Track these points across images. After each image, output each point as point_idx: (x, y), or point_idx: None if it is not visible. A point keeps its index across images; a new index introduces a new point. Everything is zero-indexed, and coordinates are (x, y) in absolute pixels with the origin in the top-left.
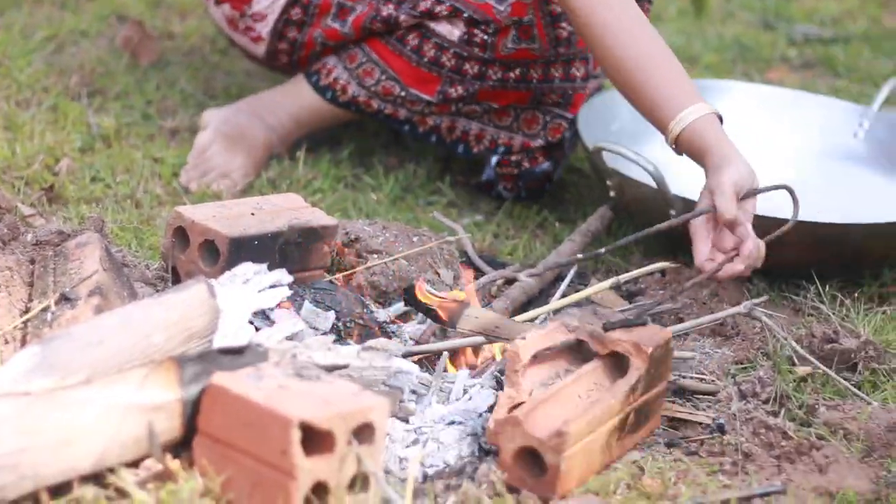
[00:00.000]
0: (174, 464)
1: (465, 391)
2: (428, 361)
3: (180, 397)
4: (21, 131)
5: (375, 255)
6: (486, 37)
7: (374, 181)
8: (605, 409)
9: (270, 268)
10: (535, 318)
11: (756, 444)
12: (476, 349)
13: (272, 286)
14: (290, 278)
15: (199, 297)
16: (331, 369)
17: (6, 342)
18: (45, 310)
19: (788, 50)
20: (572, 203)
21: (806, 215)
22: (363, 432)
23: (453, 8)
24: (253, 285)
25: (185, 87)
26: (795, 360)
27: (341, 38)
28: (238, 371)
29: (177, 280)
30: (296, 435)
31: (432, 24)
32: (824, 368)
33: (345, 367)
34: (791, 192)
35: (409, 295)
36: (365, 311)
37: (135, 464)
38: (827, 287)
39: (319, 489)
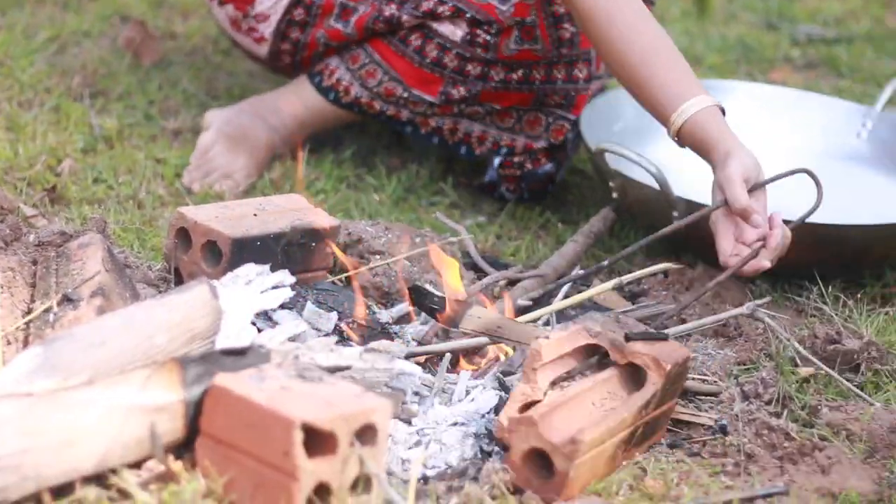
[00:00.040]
0: (176, 465)
1: (468, 392)
2: (430, 363)
3: (183, 398)
4: (23, 132)
5: (378, 256)
6: (488, 37)
7: (377, 182)
8: (619, 421)
9: (273, 269)
10: (538, 318)
11: (758, 445)
12: (478, 350)
13: (275, 287)
14: (292, 279)
15: (201, 298)
16: (333, 371)
17: (8, 343)
18: (47, 311)
19: (791, 50)
20: (575, 204)
21: (807, 220)
22: (365, 434)
23: (456, 8)
24: (255, 286)
25: (188, 87)
26: (798, 361)
27: (344, 38)
28: (240, 372)
29: (179, 281)
30: (298, 436)
31: (435, 25)
32: (827, 369)
33: (347, 368)
34: (812, 175)
35: (414, 295)
36: (367, 312)
37: (137, 465)
38: (829, 288)
39: (322, 490)
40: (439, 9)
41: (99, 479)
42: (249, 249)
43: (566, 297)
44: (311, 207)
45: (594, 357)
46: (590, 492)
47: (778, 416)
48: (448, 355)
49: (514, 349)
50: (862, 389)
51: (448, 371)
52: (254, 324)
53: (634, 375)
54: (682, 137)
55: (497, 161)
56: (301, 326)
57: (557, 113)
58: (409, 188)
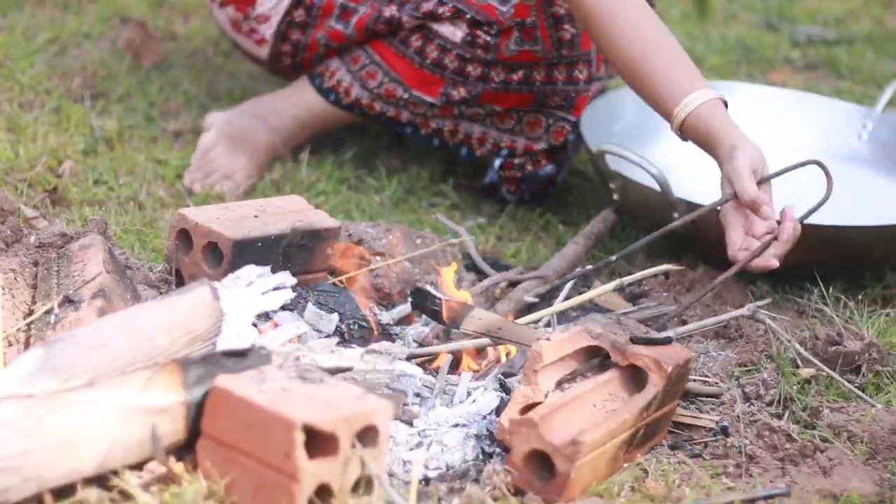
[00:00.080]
0: (178, 466)
1: (469, 393)
2: (431, 364)
3: (184, 400)
4: (24, 133)
5: (378, 258)
6: (488, 38)
7: (378, 183)
8: (620, 423)
9: (274, 270)
10: (539, 320)
11: (760, 447)
12: (480, 351)
13: (275, 288)
14: (293, 280)
15: (202, 300)
16: (334, 372)
17: (10, 344)
18: (48, 312)
19: (792, 51)
20: (575, 206)
21: (810, 217)
22: (367, 435)
23: (456, 9)
24: (256, 288)
25: (188, 88)
26: (799, 363)
27: (344, 39)
28: (241, 374)
29: (180, 282)
30: (299, 437)
31: (435, 26)
32: (828, 371)
33: (348, 369)
34: (822, 166)
35: (415, 296)
36: (368, 313)
37: (138, 466)
38: (830, 289)
39: (323, 492)
40: (439, 10)
41: (100, 480)
42: (250, 251)
43: (567, 298)
44: (312, 209)
45: (595, 359)
46: (591, 493)
47: (779, 417)
48: (449, 356)
49: (515, 350)
50: (863, 391)
51: (449, 372)
52: (255, 325)
53: (636, 377)
54: (685, 131)
55: (498, 163)
56: (302, 328)
57: (558, 114)
58: (409, 190)
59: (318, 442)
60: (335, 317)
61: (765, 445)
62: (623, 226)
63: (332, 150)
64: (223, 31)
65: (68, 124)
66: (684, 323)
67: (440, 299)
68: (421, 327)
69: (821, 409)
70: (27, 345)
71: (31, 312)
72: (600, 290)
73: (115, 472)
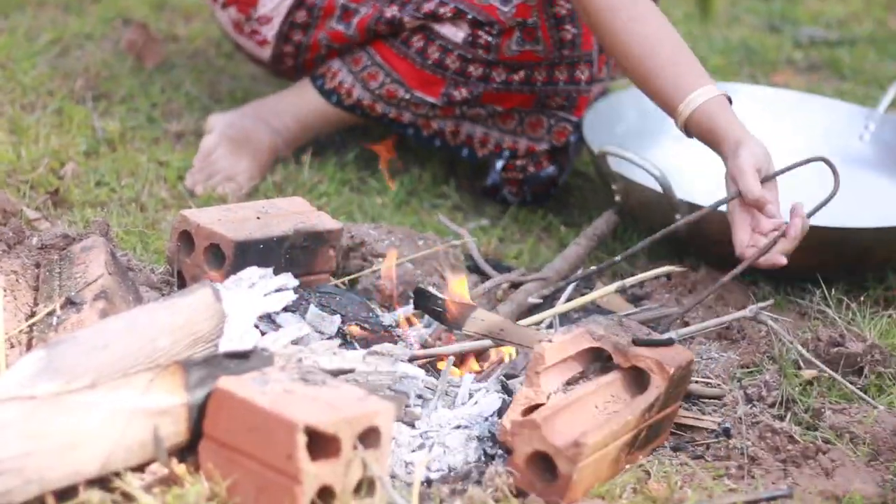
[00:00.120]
0: (180, 468)
1: (471, 395)
2: (433, 365)
3: (186, 401)
4: (26, 135)
5: (380, 259)
6: (490, 38)
7: (380, 185)
8: (622, 424)
9: (276, 272)
10: (540, 321)
11: (762, 448)
12: (482, 353)
13: (278, 290)
14: (295, 282)
15: (204, 301)
16: (336, 374)
17: (12, 346)
18: (50, 314)
19: (794, 52)
20: (577, 207)
21: (812, 219)
22: (369, 437)
23: (457, 10)
24: (258, 289)
25: (191, 90)
26: (801, 364)
27: (346, 40)
28: (243, 375)
29: (182, 284)
30: (301, 439)
31: (436, 26)
32: (830, 372)
33: (350, 371)
34: (828, 162)
35: (417, 297)
36: (370, 315)
37: (140, 468)
38: (832, 291)
39: (325, 493)
40: (441, 10)
41: (102, 482)
42: (252, 252)
43: (569, 299)
44: (314, 210)
45: (597, 360)
46: (593, 495)
47: (781, 418)
48: (451, 358)
49: (517, 352)
50: (865, 392)
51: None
52: (257, 327)
53: (638, 379)
54: (690, 128)
55: (500, 164)
56: (304, 329)
57: (559, 115)
58: (411, 191)
59: (321, 443)
60: (337, 318)
61: (767, 447)
62: (625, 227)
63: (335, 151)
64: (225, 32)
65: (70, 126)
66: (686, 324)
67: (442, 300)
68: (423, 329)
69: (823, 410)
70: (29, 346)
71: (33, 314)
72: (602, 292)
73: (117, 474)
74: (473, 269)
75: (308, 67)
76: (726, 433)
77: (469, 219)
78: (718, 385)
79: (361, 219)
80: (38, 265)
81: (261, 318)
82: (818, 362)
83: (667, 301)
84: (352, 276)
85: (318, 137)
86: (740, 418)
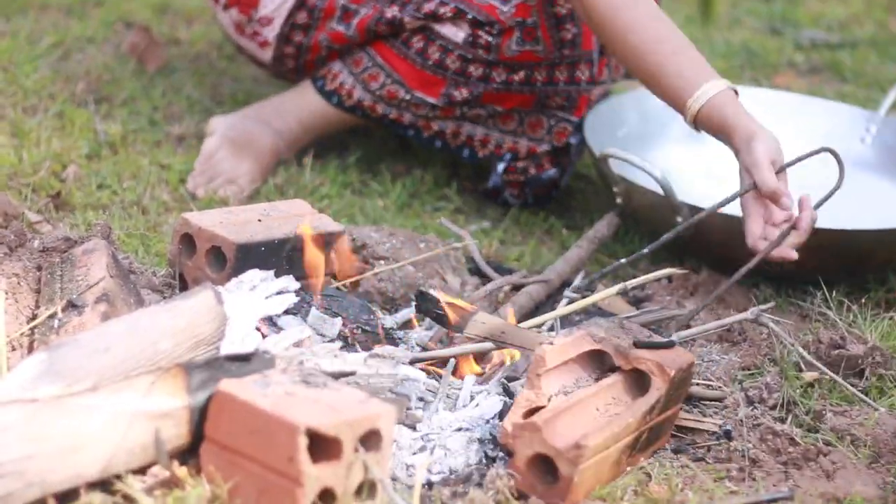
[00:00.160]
0: (181, 471)
1: (472, 398)
2: (435, 368)
3: (187, 404)
4: (28, 138)
5: (382, 262)
6: (490, 38)
7: (381, 187)
8: (623, 427)
9: (277, 274)
10: (542, 324)
11: (763, 450)
12: (483, 355)
13: (279, 293)
14: (296, 285)
15: (206, 304)
16: (338, 376)
17: (13, 349)
18: (51, 316)
19: (795, 55)
20: (579, 209)
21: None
22: (370, 439)
23: (457, 9)
24: (260, 292)
25: (192, 93)
26: (802, 366)
27: (346, 41)
28: (245, 378)
29: (184, 287)
30: (303, 442)
31: (437, 27)
32: (831, 374)
33: (352, 374)
34: (834, 153)
35: (420, 300)
36: (371, 317)
37: (142, 471)
38: (834, 293)
39: (326, 496)
40: (441, 10)
41: (104, 485)
42: (254, 255)
43: (570, 302)
44: (316, 213)
45: (599, 363)
46: (594, 497)
47: (782, 421)
48: (452, 360)
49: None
50: (866, 394)
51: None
52: (258, 329)
53: (639, 381)
54: (700, 122)
55: (501, 166)
56: (305, 332)
57: (559, 115)
58: (413, 194)
59: (322, 446)
60: (338, 321)
61: (768, 449)
62: (626, 229)
63: (337, 154)
64: (226, 34)
65: (72, 129)
66: (687, 327)
67: (443, 303)
68: (424, 331)
69: (824, 412)
70: (31, 349)
71: (34, 317)
72: (604, 294)
73: (119, 477)
74: (475, 271)
75: (309, 69)
76: (727, 435)
77: (470, 221)
78: (719, 387)
79: (363, 221)
80: (39, 268)
81: (262, 320)
82: (819, 364)
83: (668, 303)
84: (353, 279)
85: (319, 139)
86: (741, 420)
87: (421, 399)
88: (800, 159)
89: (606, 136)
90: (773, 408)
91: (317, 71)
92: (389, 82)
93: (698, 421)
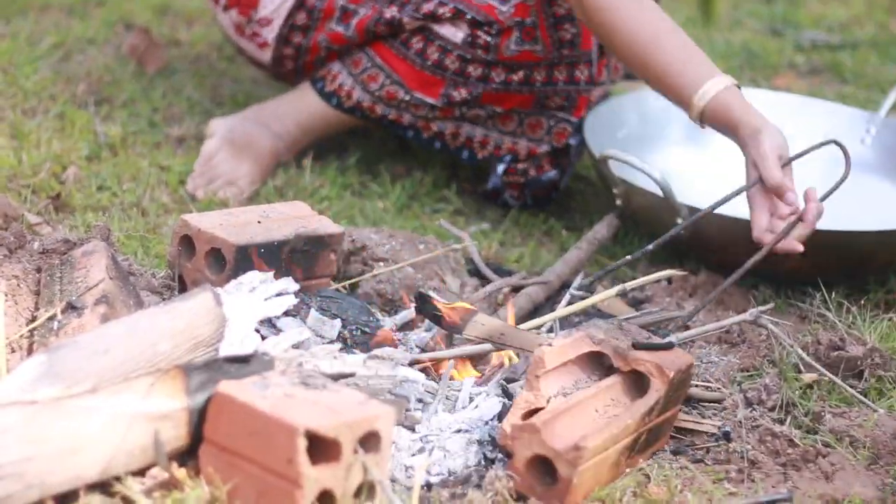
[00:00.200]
0: (180, 472)
1: (472, 399)
2: (434, 369)
3: (186, 406)
4: (27, 139)
5: (381, 263)
6: (489, 38)
7: (381, 189)
8: (622, 428)
9: (277, 276)
10: (541, 326)
11: (762, 452)
12: (482, 357)
13: (278, 294)
14: (296, 286)
15: (205, 306)
16: (337, 378)
17: (12, 351)
18: (51, 318)
19: (796, 56)
20: (579, 211)
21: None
22: (369, 441)
23: (456, 10)
24: (259, 294)
25: (192, 94)
26: (801, 368)
27: (345, 41)
28: (244, 379)
29: (183, 288)
30: (302, 443)
31: (436, 27)
32: (830, 376)
33: (351, 375)
34: (840, 145)
35: (420, 302)
36: (371, 319)
37: (141, 472)
38: (833, 294)
39: (325, 498)
40: (440, 10)
41: (103, 486)
42: (253, 257)
43: (571, 302)
44: (315, 214)
45: (597, 364)
46: (593, 499)
47: (781, 422)
48: (452, 362)
49: (518, 356)
50: (865, 396)
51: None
52: (257, 331)
53: (638, 382)
54: (706, 118)
55: (501, 168)
56: (305, 334)
57: (559, 115)
58: (413, 195)
59: (321, 448)
60: (338, 322)
61: (767, 451)
62: (626, 231)
63: (336, 155)
64: (226, 35)
65: (72, 130)
66: (686, 328)
67: (443, 305)
68: (423, 333)
69: (823, 414)
70: (30, 351)
71: (34, 319)
72: (603, 296)
73: (118, 479)
74: (474, 272)
75: (308, 70)
76: (726, 437)
77: (470, 223)
78: (718, 389)
79: (363, 223)
80: (39, 270)
81: (261, 322)
82: (818, 366)
83: (668, 305)
84: (353, 281)
85: (318, 141)
86: (740, 422)
87: (420, 400)
88: (806, 152)
89: (606, 137)
90: (772, 409)
91: (316, 72)
92: (389, 83)
93: (697, 422)
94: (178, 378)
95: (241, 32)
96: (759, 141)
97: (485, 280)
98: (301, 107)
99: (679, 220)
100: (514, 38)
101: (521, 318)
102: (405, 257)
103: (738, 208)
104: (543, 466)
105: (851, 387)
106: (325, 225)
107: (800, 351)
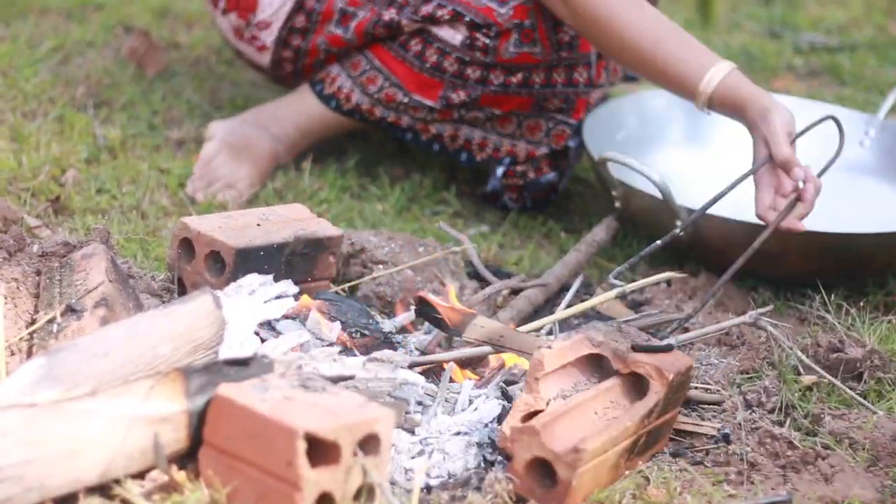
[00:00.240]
0: (180, 475)
1: (471, 401)
2: (434, 372)
3: (186, 409)
4: (27, 142)
5: (381, 266)
6: (487, 41)
7: (380, 191)
8: (621, 430)
9: (276, 279)
10: (540, 328)
11: (761, 454)
12: (481, 359)
13: (278, 297)
14: (295, 289)
15: (204, 309)
16: (336, 380)
17: (12, 353)
18: (50, 321)
19: (794, 58)
20: (578, 213)
21: (812, 224)
22: (369, 443)
23: (455, 12)
24: (259, 296)
25: (191, 97)
26: (801, 370)
27: (344, 44)
28: (244, 382)
29: (183, 291)
30: (301, 446)
31: (434, 29)
32: (830, 378)
33: (350, 378)
34: (836, 120)
35: (421, 304)
36: (370, 321)
37: (141, 475)
38: (832, 296)
39: (325, 500)
40: (438, 13)
41: (102, 489)
42: (253, 259)
43: (569, 305)
44: (315, 217)
45: (597, 366)
46: (593, 501)
47: (781, 424)
48: (451, 365)
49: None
50: (865, 398)
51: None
52: (257, 334)
53: (637, 384)
54: (714, 103)
55: (500, 170)
56: (304, 336)
57: (558, 118)
58: (412, 198)
59: (321, 450)
60: (337, 325)
61: (766, 453)
62: (625, 233)
63: (335, 158)
64: (225, 39)
65: (71, 133)
66: (686, 330)
67: (442, 307)
68: (423, 335)
69: (822, 416)
70: (30, 354)
71: (33, 322)
72: (602, 298)
73: (118, 481)
74: (473, 275)
75: (307, 73)
76: (726, 439)
77: (469, 225)
78: (718, 391)
79: (362, 225)
80: (38, 272)
81: (261, 325)
82: (818, 368)
83: (667, 307)
84: (352, 283)
85: (318, 143)
86: (740, 424)
87: (420, 403)
88: (807, 129)
89: (605, 139)
90: (771, 411)
91: (315, 75)
92: (388, 85)
93: (697, 424)
94: (177, 381)
95: (239, 36)
96: (769, 119)
97: (484, 282)
98: (300, 109)
99: (678, 223)
100: (513, 41)
101: (521, 321)
102: (404, 260)
103: (738, 209)
104: (543, 469)
105: (851, 389)
106: (324, 227)
107: (799, 353)
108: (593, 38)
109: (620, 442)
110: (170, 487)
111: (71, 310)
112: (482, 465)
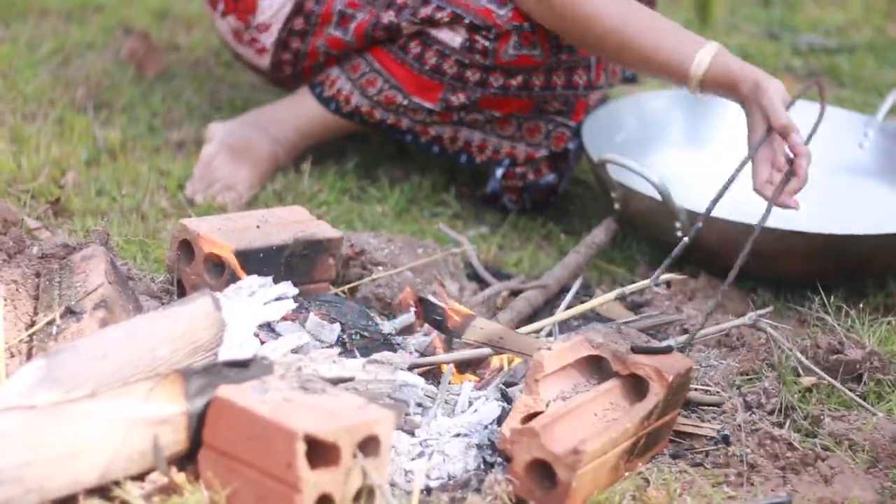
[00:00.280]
0: (179, 477)
1: (471, 403)
2: (433, 374)
3: (185, 410)
4: (27, 144)
5: (380, 268)
6: (487, 43)
7: (380, 193)
8: (621, 432)
9: (276, 280)
10: (540, 329)
11: (761, 455)
12: (482, 360)
13: (277, 299)
14: (295, 291)
15: (204, 310)
16: (336, 382)
17: (12, 355)
18: (50, 323)
19: (793, 60)
20: (577, 215)
21: (811, 226)
22: (368, 445)
23: (454, 14)
24: (258, 298)
25: (191, 99)
26: (800, 371)
27: (343, 46)
28: (243, 384)
29: (182, 293)
30: (301, 448)
31: (433, 31)
32: (829, 379)
33: (350, 379)
34: (819, 84)
35: (422, 305)
36: (370, 323)
37: (140, 477)
38: (832, 297)
39: (324, 502)
40: (437, 15)
41: (102, 491)
42: (252, 261)
43: (569, 307)
44: (314, 219)
45: (596, 368)
46: (592, 502)
47: (780, 426)
48: (451, 366)
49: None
50: (864, 399)
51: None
52: (256, 335)
53: (637, 386)
54: (706, 85)
55: (500, 172)
56: (304, 338)
57: (557, 120)
58: (411, 199)
59: (320, 452)
60: (337, 327)
61: (766, 454)
62: (624, 235)
63: (335, 160)
64: (224, 41)
65: (71, 135)
66: (685, 332)
67: (443, 309)
68: (423, 337)
69: (822, 417)
70: (29, 356)
71: (33, 323)
72: (602, 299)
73: (117, 483)
74: (473, 276)
75: (306, 75)
76: (725, 440)
77: (469, 227)
78: (717, 392)
79: (361, 227)
80: (38, 274)
81: (260, 326)
82: (817, 369)
83: (667, 308)
84: (351, 285)
85: (317, 145)
86: (739, 425)
87: (419, 405)
88: (797, 98)
89: (604, 141)
90: (771, 413)
91: (314, 77)
92: (387, 88)
93: (696, 426)
94: (177, 382)
95: (239, 38)
96: (762, 90)
97: (483, 284)
98: (299, 112)
99: (678, 225)
100: (513, 43)
101: (521, 322)
102: (404, 261)
103: (737, 210)
104: (543, 470)
105: (850, 390)
106: (323, 229)
107: (799, 354)
108: (571, 29)
109: (620, 443)
110: (169, 489)
111: (70, 312)
112: (482, 466)
